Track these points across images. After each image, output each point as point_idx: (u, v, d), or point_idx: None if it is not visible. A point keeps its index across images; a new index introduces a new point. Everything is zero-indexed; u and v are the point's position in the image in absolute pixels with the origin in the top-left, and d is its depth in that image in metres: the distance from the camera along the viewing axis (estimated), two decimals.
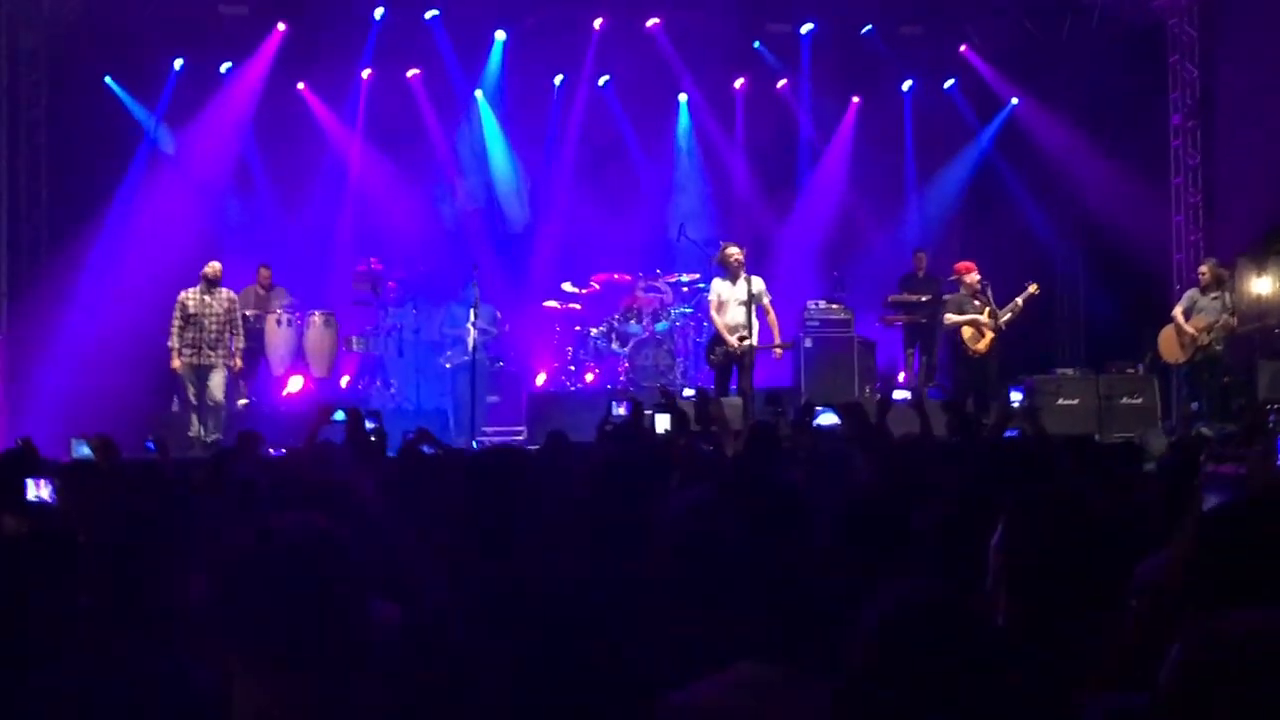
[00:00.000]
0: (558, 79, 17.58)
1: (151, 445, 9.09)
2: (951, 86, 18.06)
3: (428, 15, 16.55)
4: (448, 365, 15.10)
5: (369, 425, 8.05)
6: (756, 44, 17.62)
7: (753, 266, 13.50)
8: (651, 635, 3.27)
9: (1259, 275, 15.14)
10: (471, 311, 14.36)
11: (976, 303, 13.90)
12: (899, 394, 13.83)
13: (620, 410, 9.90)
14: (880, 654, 2.06)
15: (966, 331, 13.90)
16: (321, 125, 16.90)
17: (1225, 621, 1.82)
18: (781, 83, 17.99)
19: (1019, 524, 2.90)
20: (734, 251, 13.31)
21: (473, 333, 14.34)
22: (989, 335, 13.82)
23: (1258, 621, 1.81)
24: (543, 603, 2.58)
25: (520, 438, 13.70)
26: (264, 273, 15.17)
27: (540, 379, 15.95)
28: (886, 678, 2.04)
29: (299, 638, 2.22)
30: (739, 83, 17.98)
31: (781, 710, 2.54)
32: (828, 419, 9.76)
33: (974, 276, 14.03)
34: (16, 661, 2.76)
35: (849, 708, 2.08)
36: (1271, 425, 11.81)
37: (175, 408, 14.04)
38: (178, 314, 13.31)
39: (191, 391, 13.37)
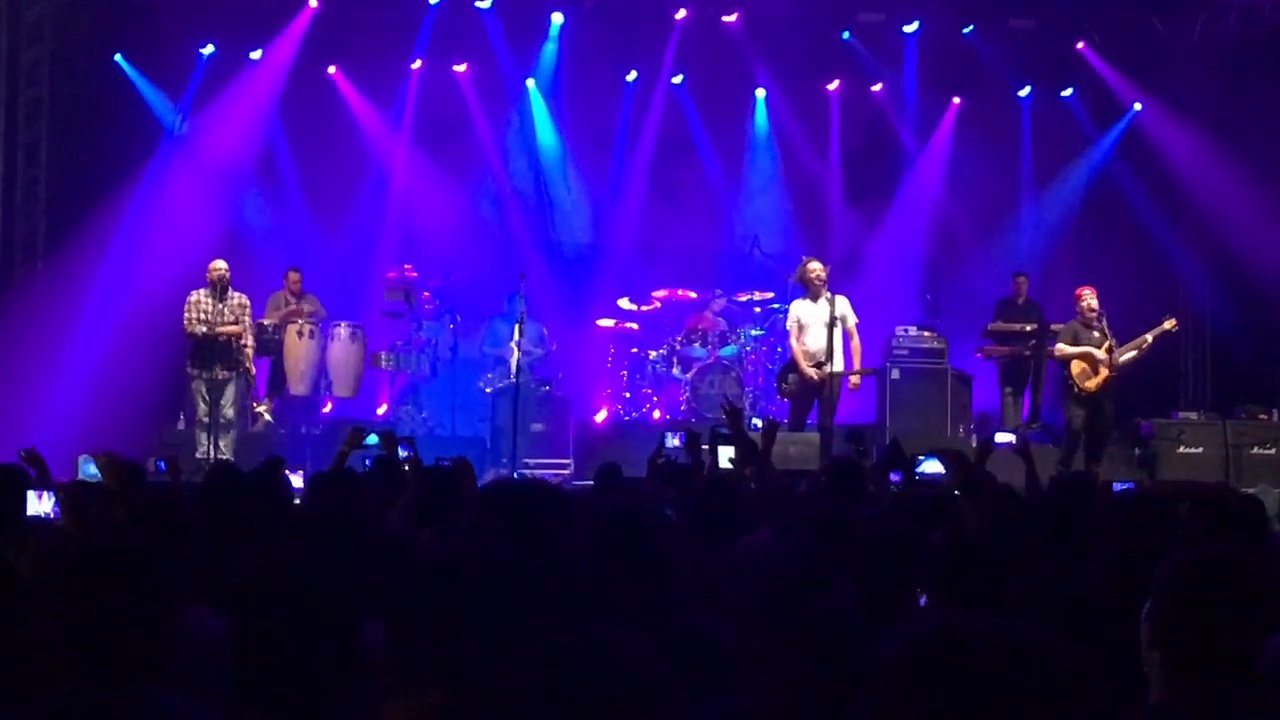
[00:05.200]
0: (630, 76, 17.67)
1: (162, 465, 9.20)
2: (1072, 92, 18.02)
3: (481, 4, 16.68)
4: (487, 390, 15.16)
5: (402, 453, 8.12)
6: (846, 35, 17.62)
7: (836, 285, 13.44)
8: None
9: None
10: (516, 329, 14.37)
11: (1095, 333, 13.53)
12: (1001, 437, 13.75)
13: (674, 442, 9.84)
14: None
15: (1076, 366, 13.44)
16: (354, 114, 17.04)
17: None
18: (877, 86, 18.01)
19: (1175, 593, 2.96)
20: (816, 268, 13.21)
21: (516, 353, 14.35)
22: (1104, 373, 13.39)
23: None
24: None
25: (566, 472, 13.73)
26: (293, 276, 15.15)
27: (601, 416, 15.95)
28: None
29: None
30: (834, 84, 18.00)
31: None
32: (931, 467, 9.71)
33: (1091, 302, 13.60)
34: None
35: None
36: None
37: (181, 425, 14.21)
38: (191, 312, 13.41)
39: (202, 409, 13.48)
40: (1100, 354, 13.37)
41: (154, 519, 5.21)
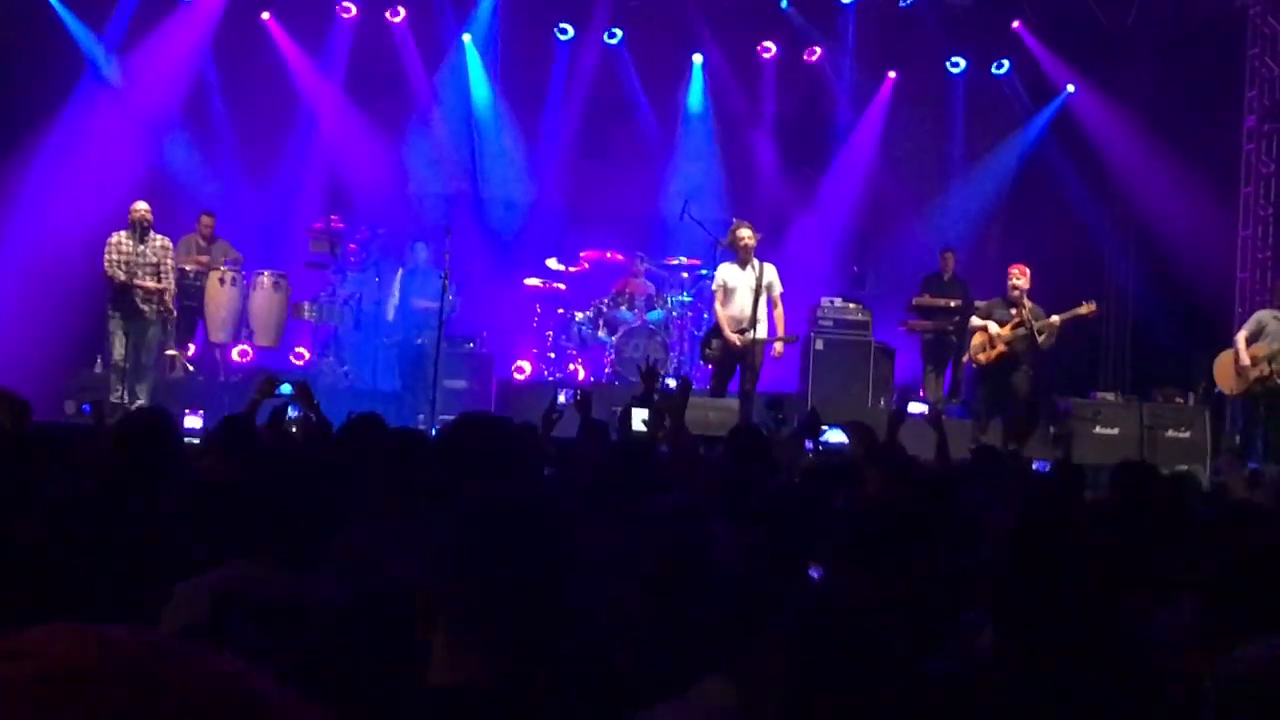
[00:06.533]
0: (567, 29, 17.48)
1: (87, 408, 9.08)
2: (1006, 71, 18.05)
3: None
4: (387, 341, 15.04)
5: (292, 412, 7.93)
6: (784, 4, 17.51)
7: (765, 253, 13.37)
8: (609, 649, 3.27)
9: None
10: (396, 279, 14.94)
11: (1012, 312, 13.41)
12: (915, 408, 13.79)
13: (561, 399, 9.77)
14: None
15: (976, 339, 13.51)
16: (286, 61, 16.78)
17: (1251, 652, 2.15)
18: (815, 53, 17.92)
19: (1005, 554, 3.13)
20: (746, 234, 13.00)
21: (394, 297, 14.79)
22: (999, 349, 13.30)
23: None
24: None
25: None
26: (206, 220, 14.85)
27: (524, 369, 15.84)
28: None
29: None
30: (770, 50, 17.90)
31: None
32: (835, 436, 9.74)
33: (1015, 281, 13.45)
34: None
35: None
36: None
37: (98, 369, 13.98)
38: (112, 254, 13.07)
39: (119, 353, 13.16)
40: (999, 331, 13.31)
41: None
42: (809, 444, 8.34)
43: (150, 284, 13.12)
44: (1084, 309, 13.49)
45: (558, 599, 2.46)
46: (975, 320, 13.68)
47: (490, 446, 4.76)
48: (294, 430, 7.45)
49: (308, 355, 15.36)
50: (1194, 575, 4.33)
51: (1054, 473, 8.22)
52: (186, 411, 10.33)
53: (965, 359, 13.76)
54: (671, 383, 9.73)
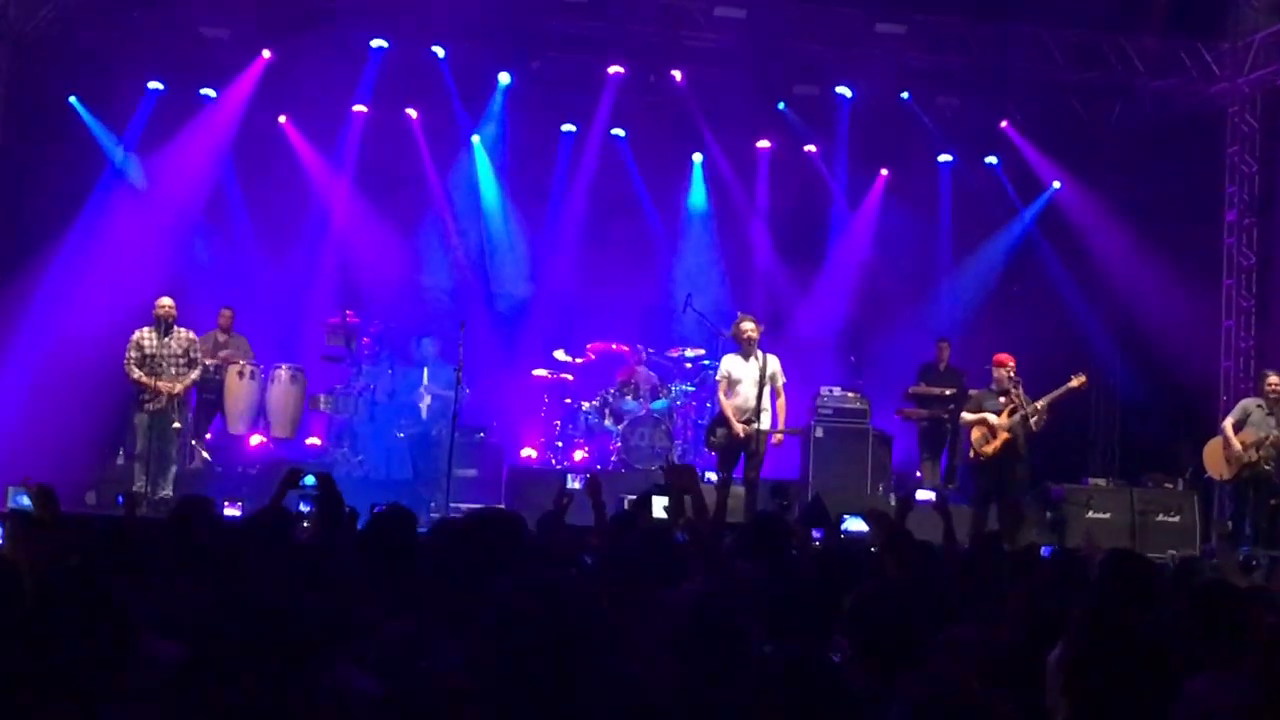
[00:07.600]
0: (567, 127, 17.75)
1: (121, 499, 9.20)
2: (995, 165, 18.28)
3: (438, 53, 16.62)
4: (400, 435, 14.97)
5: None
6: (781, 105, 17.74)
7: (764, 344, 13.32)
8: None
9: None
10: (425, 373, 14.91)
11: (1003, 400, 13.28)
12: (922, 494, 13.77)
13: (574, 485, 9.78)
14: None
15: (975, 433, 13.29)
16: (302, 162, 17.07)
17: None
18: (810, 148, 18.14)
19: (1086, 643, 3.16)
20: (749, 326, 13.00)
21: (426, 398, 14.68)
22: (1002, 437, 13.12)
23: None
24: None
25: None
26: (225, 314, 15.08)
27: (530, 453, 15.95)
28: None
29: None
30: (764, 144, 18.12)
31: None
32: (855, 525, 9.73)
33: (1000, 372, 13.32)
34: None
35: None
36: None
37: (120, 460, 14.00)
38: (133, 352, 13.17)
39: (141, 443, 13.22)
40: (998, 420, 13.16)
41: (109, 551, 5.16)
42: (817, 533, 8.37)
43: (162, 386, 13.13)
44: (1075, 382, 13.38)
45: (584, 691, 2.56)
46: (968, 415, 13.49)
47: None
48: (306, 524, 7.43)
49: (319, 440, 15.46)
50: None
51: (1056, 558, 8.24)
52: (226, 503, 10.40)
53: (971, 455, 13.57)
54: (712, 476, 9.71)
